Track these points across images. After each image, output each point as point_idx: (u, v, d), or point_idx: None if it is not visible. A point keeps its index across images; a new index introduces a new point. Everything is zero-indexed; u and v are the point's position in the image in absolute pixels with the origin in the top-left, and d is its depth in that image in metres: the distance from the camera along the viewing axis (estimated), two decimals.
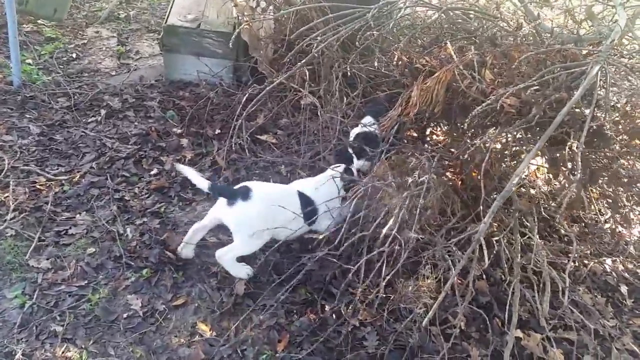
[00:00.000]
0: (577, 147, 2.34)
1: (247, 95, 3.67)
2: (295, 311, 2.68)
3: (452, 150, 3.30)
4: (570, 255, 2.61)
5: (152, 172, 3.54)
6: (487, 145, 2.58)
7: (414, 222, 2.60)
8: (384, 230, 2.42)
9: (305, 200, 2.87)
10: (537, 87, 2.53)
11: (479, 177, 3.06)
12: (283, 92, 3.97)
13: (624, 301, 3.15)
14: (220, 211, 2.74)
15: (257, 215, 2.67)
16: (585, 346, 2.72)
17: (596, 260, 3.27)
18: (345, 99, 3.92)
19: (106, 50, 5.09)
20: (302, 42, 3.36)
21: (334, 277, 2.85)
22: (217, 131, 3.99)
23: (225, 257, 2.72)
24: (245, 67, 4.48)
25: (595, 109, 2.58)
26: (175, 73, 4.58)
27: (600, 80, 2.56)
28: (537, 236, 2.61)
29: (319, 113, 3.65)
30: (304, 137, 3.73)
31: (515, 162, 3.13)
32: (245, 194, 2.68)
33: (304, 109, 3.87)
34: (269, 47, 4.37)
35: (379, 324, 2.66)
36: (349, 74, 3.59)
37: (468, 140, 2.89)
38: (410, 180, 2.80)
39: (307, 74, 3.68)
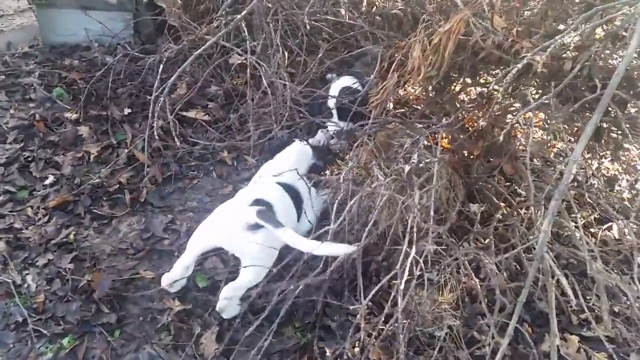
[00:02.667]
0: None
1: (164, 59, 2.84)
2: None
3: (430, 114, 2.68)
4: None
5: (46, 182, 2.59)
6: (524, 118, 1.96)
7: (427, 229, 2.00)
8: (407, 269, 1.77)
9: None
10: (579, 39, 1.92)
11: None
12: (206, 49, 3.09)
13: None
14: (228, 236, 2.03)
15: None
16: (625, 341, 2.32)
17: (604, 227, 2.87)
18: (286, 55, 3.15)
19: None
20: None
21: (326, 303, 2.19)
22: (127, 111, 3.06)
23: (237, 298, 2.07)
24: (150, 21, 3.48)
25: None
26: (56, 35, 3.49)
27: None
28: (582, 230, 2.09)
29: (262, 76, 2.88)
30: (244, 109, 2.95)
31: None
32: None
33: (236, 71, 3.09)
34: None
35: None
36: (307, 26, 2.78)
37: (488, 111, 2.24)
38: (407, 168, 2.16)
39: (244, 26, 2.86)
